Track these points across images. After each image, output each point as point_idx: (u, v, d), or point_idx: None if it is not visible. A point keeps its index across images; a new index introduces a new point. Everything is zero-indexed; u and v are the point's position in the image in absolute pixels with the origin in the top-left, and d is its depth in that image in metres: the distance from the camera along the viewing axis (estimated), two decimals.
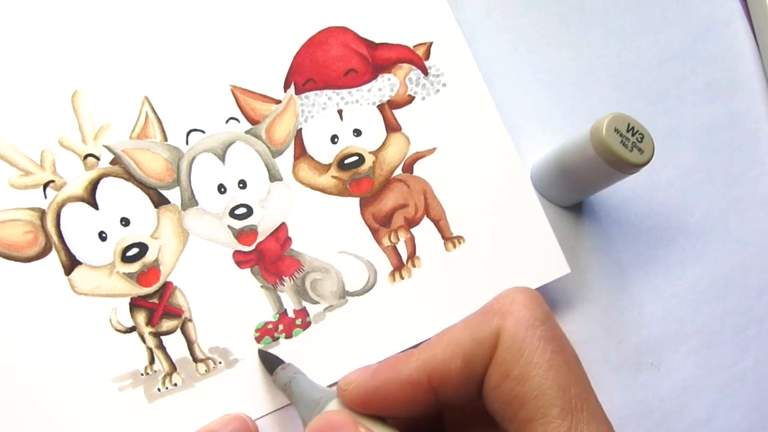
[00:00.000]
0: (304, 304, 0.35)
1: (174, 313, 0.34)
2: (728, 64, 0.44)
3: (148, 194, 0.35)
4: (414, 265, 0.36)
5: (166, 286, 0.35)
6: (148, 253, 0.35)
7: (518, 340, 0.23)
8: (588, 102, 0.41)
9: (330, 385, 0.34)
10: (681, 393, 0.40)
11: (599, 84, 0.42)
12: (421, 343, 0.35)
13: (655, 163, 0.34)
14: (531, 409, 0.22)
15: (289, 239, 0.36)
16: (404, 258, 0.36)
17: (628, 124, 0.33)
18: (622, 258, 0.41)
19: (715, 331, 0.41)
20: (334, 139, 0.37)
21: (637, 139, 0.33)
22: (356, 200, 0.36)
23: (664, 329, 0.40)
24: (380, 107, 0.37)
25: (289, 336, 0.35)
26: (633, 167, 0.34)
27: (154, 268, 0.35)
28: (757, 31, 0.44)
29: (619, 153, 0.33)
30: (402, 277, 0.36)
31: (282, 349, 0.35)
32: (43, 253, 0.34)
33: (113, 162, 0.35)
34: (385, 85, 0.37)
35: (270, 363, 0.33)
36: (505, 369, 0.23)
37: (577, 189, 0.38)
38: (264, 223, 0.36)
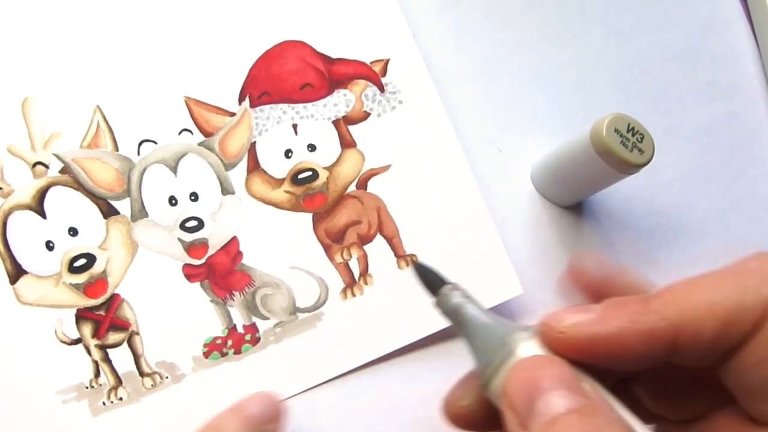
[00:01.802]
0: (254, 319, 0.35)
1: (121, 325, 0.34)
2: (728, 64, 0.44)
3: (97, 204, 0.35)
4: (366, 283, 0.36)
5: (114, 298, 0.34)
6: (95, 264, 0.34)
7: None
8: (588, 102, 0.41)
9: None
10: None
11: (599, 84, 0.42)
12: (373, 361, 0.35)
13: (655, 163, 0.34)
14: None
15: (240, 253, 0.35)
16: (356, 275, 0.36)
17: (628, 125, 0.33)
18: (622, 258, 0.40)
19: None
20: (288, 153, 0.36)
21: (637, 139, 0.33)
22: (309, 216, 0.36)
23: None
24: (335, 123, 0.37)
25: (238, 352, 0.35)
26: (633, 167, 0.33)
27: (101, 280, 0.34)
28: (757, 31, 0.44)
29: (619, 153, 0.33)
30: (354, 294, 0.36)
31: (231, 365, 0.34)
32: None
33: (63, 171, 0.34)
34: (340, 101, 0.37)
35: (431, 282, 0.25)
36: None
37: (577, 189, 0.38)
38: (215, 236, 0.35)
